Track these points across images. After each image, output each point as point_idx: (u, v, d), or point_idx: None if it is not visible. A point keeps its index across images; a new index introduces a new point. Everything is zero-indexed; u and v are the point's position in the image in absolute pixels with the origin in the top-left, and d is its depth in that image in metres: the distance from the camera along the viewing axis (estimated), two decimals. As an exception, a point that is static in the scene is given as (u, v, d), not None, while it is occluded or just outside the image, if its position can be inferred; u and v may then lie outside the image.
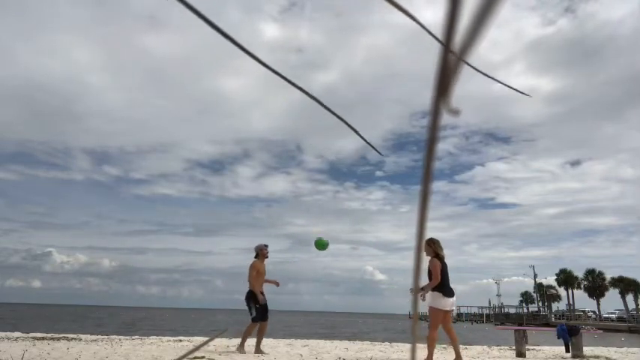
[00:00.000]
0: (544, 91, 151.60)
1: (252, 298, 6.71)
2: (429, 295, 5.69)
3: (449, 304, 5.69)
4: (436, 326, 5.65)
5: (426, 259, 5.88)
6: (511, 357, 7.71)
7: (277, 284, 7.10)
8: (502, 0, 0.22)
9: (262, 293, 6.81)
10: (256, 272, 6.79)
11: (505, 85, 0.63)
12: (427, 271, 5.77)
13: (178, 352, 6.67)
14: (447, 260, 5.88)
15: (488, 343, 12.66)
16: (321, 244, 6.72)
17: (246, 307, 6.78)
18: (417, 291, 0.29)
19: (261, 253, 6.96)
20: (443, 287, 5.67)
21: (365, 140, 0.46)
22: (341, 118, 0.45)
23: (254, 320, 6.68)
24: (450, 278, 5.83)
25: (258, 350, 6.65)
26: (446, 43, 0.22)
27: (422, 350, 6.13)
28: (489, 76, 0.59)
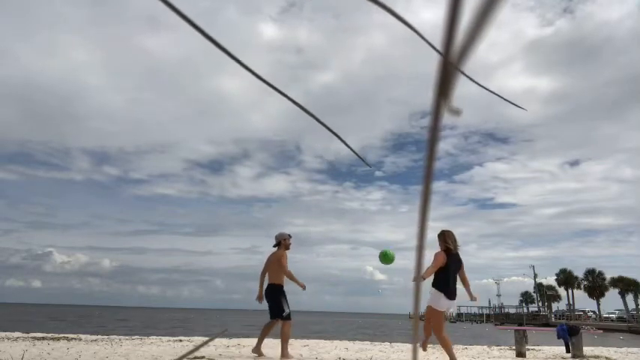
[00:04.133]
0: (543, 91, 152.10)
1: (281, 292, 5.92)
2: (431, 293, 5.16)
3: (446, 306, 5.15)
4: (442, 327, 5.10)
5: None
6: (511, 357, 7.71)
7: (304, 287, 6.07)
8: (502, 2, 0.22)
9: (282, 286, 6.05)
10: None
11: (503, 98, 0.63)
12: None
13: (178, 352, 6.66)
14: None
15: (488, 343, 12.65)
16: (386, 257, 5.71)
17: (269, 307, 5.93)
18: (419, 290, 0.29)
19: (284, 243, 6.16)
20: (446, 287, 5.12)
21: (354, 151, 0.46)
22: (331, 130, 0.45)
23: (287, 318, 5.83)
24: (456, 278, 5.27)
25: (257, 350, 6.00)
26: (446, 45, 0.22)
27: (421, 350, 6.11)
28: (487, 89, 0.59)
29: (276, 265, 6.00)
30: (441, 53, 0.22)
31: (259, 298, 6.06)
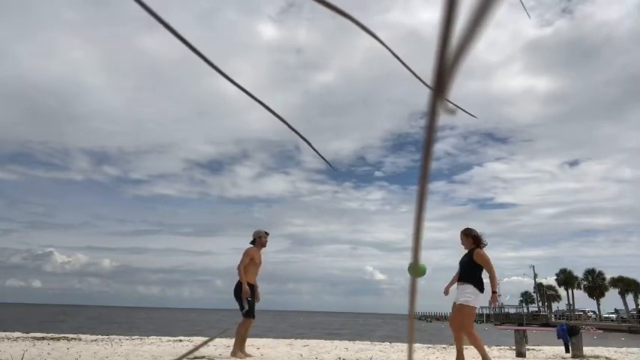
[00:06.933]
0: (542, 91, 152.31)
1: (241, 289, 5.80)
2: (469, 292, 4.92)
3: (480, 303, 5.07)
4: (473, 324, 5.03)
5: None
6: (511, 357, 7.70)
7: (245, 293, 5.83)
8: (499, 2, 0.22)
9: (254, 286, 5.98)
10: (250, 260, 5.93)
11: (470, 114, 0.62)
12: (467, 264, 4.96)
13: (178, 352, 6.66)
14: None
15: (488, 343, 12.64)
16: (418, 270, 5.50)
17: (237, 302, 5.87)
18: (415, 292, 0.29)
19: (259, 240, 6.11)
20: (483, 285, 4.96)
21: (321, 156, 0.47)
22: (302, 137, 0.45)
23: (247, 315, 5.78)
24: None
25: (242, 352, 5.86)
26: (442, 45, 0.22)
27: (420, 351, 6.11)
28: (469, 113, 0.59)
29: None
30: (429, 86, 0.22)
31: (245, 293, 5.86)
